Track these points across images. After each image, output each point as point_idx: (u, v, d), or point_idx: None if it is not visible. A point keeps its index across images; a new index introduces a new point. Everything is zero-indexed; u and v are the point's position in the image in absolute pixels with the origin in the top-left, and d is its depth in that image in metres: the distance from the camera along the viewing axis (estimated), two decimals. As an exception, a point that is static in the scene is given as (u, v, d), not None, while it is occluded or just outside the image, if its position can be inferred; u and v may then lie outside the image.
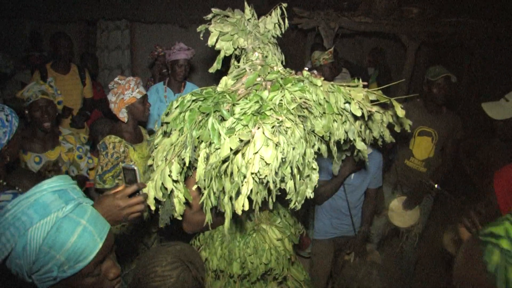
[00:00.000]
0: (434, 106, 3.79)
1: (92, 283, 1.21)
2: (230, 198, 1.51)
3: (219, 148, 1.58)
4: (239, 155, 1.49)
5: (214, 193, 1.56)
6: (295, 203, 1.67)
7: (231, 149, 1.50)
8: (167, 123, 1.81)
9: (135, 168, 1.64)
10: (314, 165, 1.64)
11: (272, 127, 1.52)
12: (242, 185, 1.44)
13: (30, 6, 6.78)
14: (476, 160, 4.05)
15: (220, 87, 1.88)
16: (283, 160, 1.50)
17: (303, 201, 1.67)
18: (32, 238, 1.07)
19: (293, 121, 1.57)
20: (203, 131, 1.67)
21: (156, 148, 1.88)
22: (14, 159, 2.17)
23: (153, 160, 1.87)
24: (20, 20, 7.10)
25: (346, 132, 1.79)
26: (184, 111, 1.77)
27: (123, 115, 3.11)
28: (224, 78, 1.94)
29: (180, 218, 1.85)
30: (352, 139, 1.79)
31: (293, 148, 1.53)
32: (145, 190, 1.67)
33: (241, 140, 1.50)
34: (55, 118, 3.18)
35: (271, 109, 1.61)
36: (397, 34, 6.66)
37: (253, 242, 2.31)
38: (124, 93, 3.07)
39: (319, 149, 1.83)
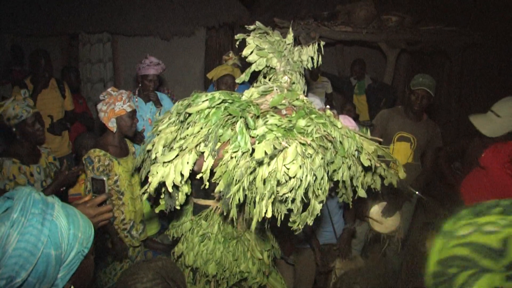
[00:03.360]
0: (413, 112, 3.86)
1: (92, 262, 1.34)
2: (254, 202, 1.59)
3: (246, 152, 1.67)
4: (266, 163, 1.56)
5: (244, 191, 1.61)
6: (298, 225, 1.72)
7: (266, 153, 1.56)
8: (189, 114, 1.86)
9: (104, 178, 1.69)
10: (322, 192, 1.69)
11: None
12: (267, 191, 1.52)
13: (10, 20, 6.76)
14: (466, 162, 4.11)
15: (245, 96, 1.96)
16: (301, 180, 1.56)
17: (302, 226, 1.72)
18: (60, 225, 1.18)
19: (315, 149, 1.63)
20: (225, 131, 1.75)
21: (158, 135, 1.96)
22: None
23: (152, 146, 1.94)
24: (0, 34, 7.06)
25: (351, 177, 1.87)
26: (212, 107, 1.82)
27: (112, 125, 3.12)
28: (251, 89, 2.03)
29: (178, 208, 1.92)
30: (355, 185, 1.89)
31: (314, 175, 1.59)
32: (165, 173, 1.72)
33: (275, 148, 1.57)
34: (44, 128, 3.25)
35: (300, 132, 1.69)
36: (377, 42, 6.76)
37: (234, 248, 2.35)
38: (115, 104, 3.08)
39: None
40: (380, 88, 6.40)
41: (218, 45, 7.31)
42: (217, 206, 2.46)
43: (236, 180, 1.62)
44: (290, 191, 1.56)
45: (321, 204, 1.70)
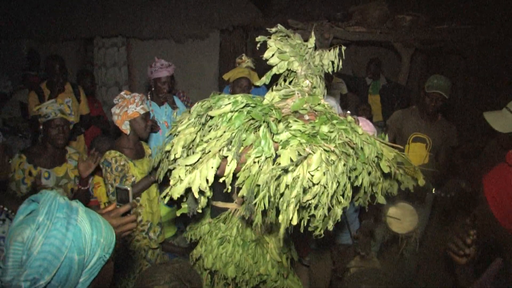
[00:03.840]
0: (428, 113, 3.83)
1: (112, 267, 1.35)
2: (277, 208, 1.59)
3: (270, 157, 1.67)
4: (291, 170, 1.55)
5: (270, 197, 1.60)
6: (320, 230, 1.72)
7: (291, 160, 1.56)
8: (211, 116, 1.87)
9: (128, 188, 1.68)
10: (344, 201, 1.69)
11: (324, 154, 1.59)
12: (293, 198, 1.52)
13: (27, 25, 6.87)
14: (483, 160, 4.07)
15: (267, 100, 1.96)
16: (324, 187, 1.56)
17: (323, 230, 1.72)
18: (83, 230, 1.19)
19: (338, 156, 1.63)
20: (248, 135, 1.74)
21: (177, 135, 1.96)
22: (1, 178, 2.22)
23: (171, 146, 1.94)
24: (17, 39, 7.18)
25: (372, 183, 1.87)
26: (234, 110, 1.82)
27: (125, 127, 3.15)
28: (273, 93, 2.03)
29: (200, 211, 1.93)
30: (374, 191, 1.90)
31: (337, 182, 1.59)
32: (191, 179, 1.72)
33: (299, 155, 1.57)
34: (68, 136, 3.26)
35: (324, 138, 1.69)
36: (391, 42, 6.71)
37: (253, 251, 2.34)
38: (128, 107, 3.11)
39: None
40: (394, 89, 6.36)
41: (232, 47, 7.33)
42: (235, 209, 2.46)
43: (261, 186, 1.61)
44: (314, 198, 1.56)
45: (342, 210, 1.70)
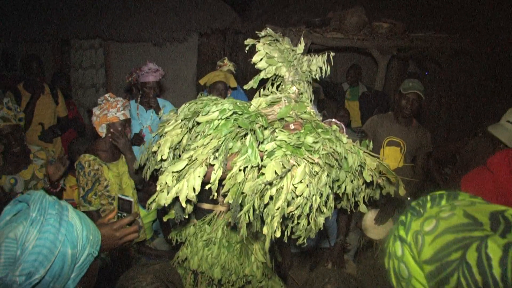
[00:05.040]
0: (403, 118, 3.89)
1: (97, 266, 1.38)
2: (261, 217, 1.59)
3: (256, 166, 1.66)
4: (276, 184, 1.55)
5: (254, 210, 1.60)
6: (303, 240, 1.72)
7: (276, 173, 1.56)
8: (198, 123, 1.87)
9: (131, 200, 1.69)
10: (327, 210, 1.70)
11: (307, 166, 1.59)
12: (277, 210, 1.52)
13: (1, 25, 6.73)
14: (460, 162, 4.15)
15: (253, 106, 1.95)
16: (307, 199, 1.57)
17: (307, 236, 1.72)
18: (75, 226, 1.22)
19: (321, 167, 1.63)
20: (234, 143, 1.75)
21: (163, 136, 1.98)
22: None
23: (158, 147, 1.96)
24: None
25: (354, 192, 1.88)
26: (222, 118, 1.82)
27: (102, 130, 3.13)
28: (259, 99, 2.02)
29: (186, 217, 1.93)
30: (357, 200, 1.89)
31: (320, 193, 1.59)
32: (179, 188, 1.72)
33: (284, 167, 1.57)
34: (23, 140, 3.16)
35: (308, 150, 1.68)
36: (368, 49, 6.81)
37: (238, 253, 2.37)
38: (109, 110, 3.09)
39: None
40: (374, 97, 6.44)
41: (210, 51, 7.34)
42: (220, 211, 2.47)
43: (246, 199, 1.61)
44: (297, 209, 1.57)
45: (322, 220, 1.71)
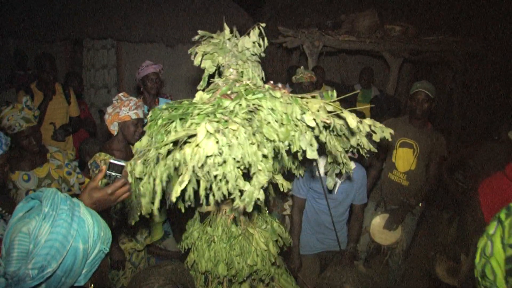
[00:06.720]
0: (418, 121, 3.85)
1: (108, 263, 1.42)
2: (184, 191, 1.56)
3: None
4: (186, 148, 1.55)
5: (154, 179, 1.64)
6: (238, 203, 1.61)
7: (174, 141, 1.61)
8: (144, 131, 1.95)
9: (124, 164, 1.70)
10: (260, 166, 1.61)
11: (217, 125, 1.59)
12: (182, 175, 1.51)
13: (14, 25, 6.79)
14: (473, 166, 4.11)
15: (195, 100, 2.01)
16: (220, 154, 1.55)
17: (252, 202, 1.59)
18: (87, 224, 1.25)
19: (238, 123, 1.62)
20: (162, 135, 1.82)
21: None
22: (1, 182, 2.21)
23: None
24: (4, 38, 7.09)
25: (322, 144, 1.83)
26: (156, 119, 1.89)
27: (113, 128, 3.12)
28: (199, 92, 2.08)
29: (148, 216, 1.90)
30: (304, 148, 1.75)
31: (240, 146, 1.57)
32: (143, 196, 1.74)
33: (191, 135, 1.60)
34: (41, 139, 3.17)
35: (221, 112, 1.70)
36: (380, 52, 6.79)
37: (239, 245, 2.37)
38: (121, 108, 3.09)
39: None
40: (386, 101, 6.40)
41: (222, 52, 7.33)
42: (217, 210, 2.49)
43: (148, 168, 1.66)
44: (217, 169, 1.55)
45: (266, 177, 1.61)
